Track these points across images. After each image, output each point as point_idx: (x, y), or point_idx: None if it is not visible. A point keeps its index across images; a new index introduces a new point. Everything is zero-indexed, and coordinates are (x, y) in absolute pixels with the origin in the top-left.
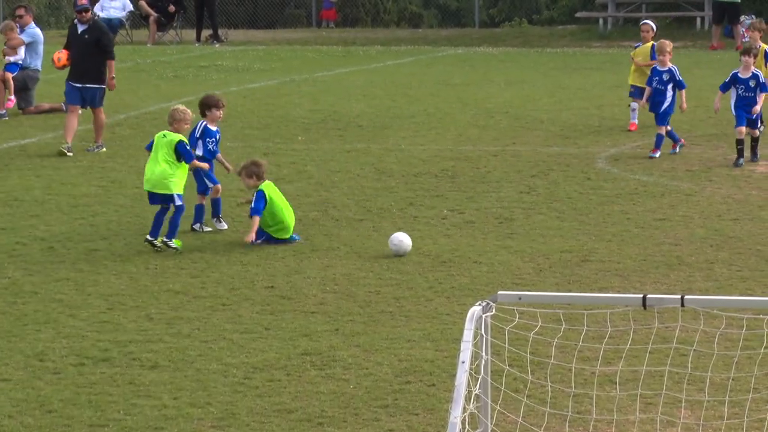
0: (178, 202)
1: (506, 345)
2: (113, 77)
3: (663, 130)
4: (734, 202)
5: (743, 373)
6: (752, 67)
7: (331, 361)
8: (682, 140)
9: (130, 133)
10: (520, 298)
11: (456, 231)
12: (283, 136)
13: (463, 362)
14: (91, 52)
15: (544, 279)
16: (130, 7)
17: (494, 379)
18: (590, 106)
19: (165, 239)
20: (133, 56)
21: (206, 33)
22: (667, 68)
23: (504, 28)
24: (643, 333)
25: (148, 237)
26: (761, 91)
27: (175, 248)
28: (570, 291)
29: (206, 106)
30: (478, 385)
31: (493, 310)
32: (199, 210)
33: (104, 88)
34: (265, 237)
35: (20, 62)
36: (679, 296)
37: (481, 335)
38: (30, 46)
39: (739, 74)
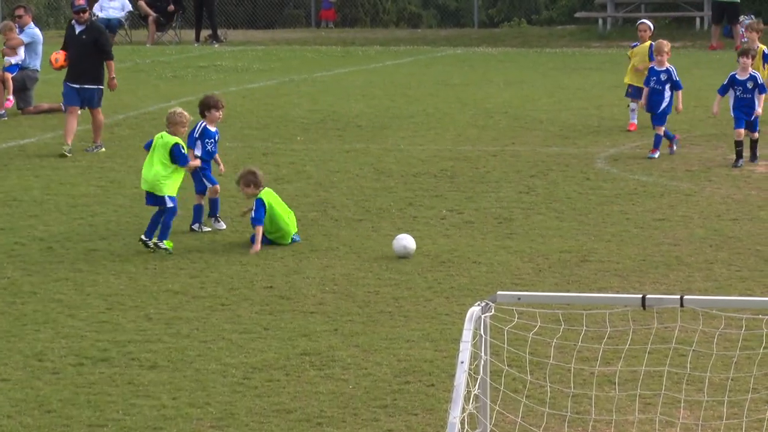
0: (169, 204)
1: (505, 345)
2: (114, 77)
3: (661, 131)
4: (733, 203)
5: (742, 374)
6: (750, 69)
7: (330, 361)
8: (677, 135)
9: (129, 134)
10: (519, 299)
11: (455, 231)
12: (282, 136)
13: (462, 362)
14: (88, 53)
15: (544, 279)
16: (129, 7)
17: (493, 379)
18: (589, 107)
19: (156, 241)
20: (132, 56)
21: (205, 33)
22: (664, 68)
23: (503, 29)
24: (643, 333)
25: (143, 237)
26: (760, 93)
27: (165, 249)
28: (569, 291)
29: (206, 106)
30: (477, 386)
31: (492, 310)
32: (198, 210)
33: (102, 88)
34: (265, 241)
35: (19, 62)
36: (679, 296)
37: (480, 335)
38: (29, 47)
39: (737, 76)
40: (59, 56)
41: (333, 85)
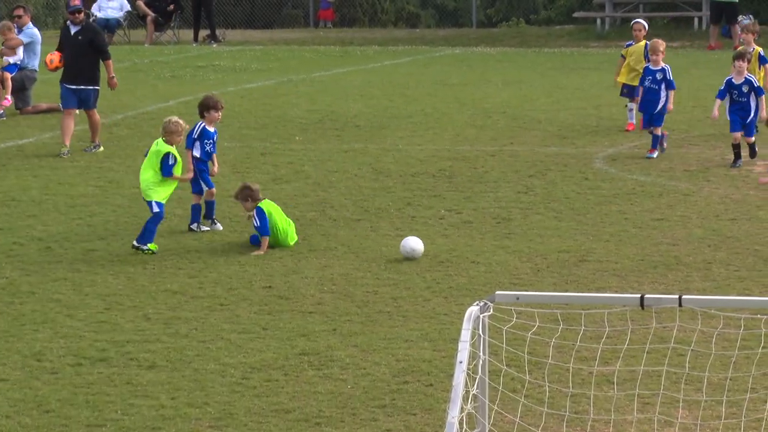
0: (155, 209)
1: (504, 345)
2: (113, 76)
3: (659, 131)
4: (732, 202)
5: (741, 373)
6: (746, 72)
7: (329, 361)
8: (665, 132)
9: (127, 133)
10: (517, 298)
11: (454, 231)
12: (281, 136)
13: (461, 362)
14: (84, 53)
15: (542, 279)
16: (128, 7)
17: (492, 379)
18: (588, 106)
19: (137, 243)
20: (131, 56)
21: (204, 33)
22: (660, 67)
23: (501, 28)
24: (641, 333)
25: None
26: (757, 95)
27: (148, 250)
28: (568, 291)
29: (205, 107)
30: (475, 385)
31: (491, 310)
32: (196, 210)
33: (98, 89)
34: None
35: (18, 62)
36: (677, 296)
37: (479, 335)
38: (28, 47)
39: (733, 80)
40: (54, 57)
41: (331, 85)
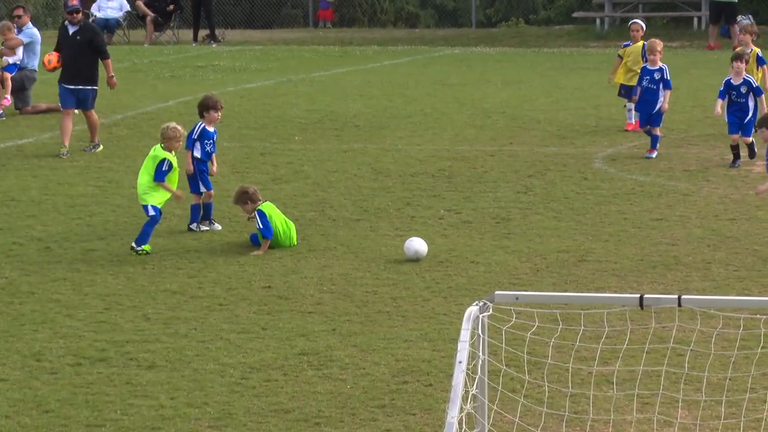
0: (151, 213)
1: (503, 345)
2: (112, 75)
3: (658, 131)
4: (731, 202)
5: (740, 373)
6: (744, 73)
7: (328, 361)
8: (660, 134)
9: (127, 134)
10: (517, 298)
11: (453, 231)
12: (280, 136)
13: (460, 362)
14: (83, 53)
15: (541, 279)
16: (127, 7)
17: (491, 379)
18: (587, 106)
19: (133, 245)
20: (130, 56)
21: (203, 33)
22: (657, 67)
23: (501, 28)
24: (640, 333)
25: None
26: (756, 95)
27: (142, 251)
28: (567, 291)
29: (205, 107)
30: (475, 385)
31: (490, 310)
32: (195, 210)
33: (96, 89)
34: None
35: (18, 62)
36: (676, 296)
37: (478, 335)
38: (27, 47)
39: (731, 81)
40: (52, 58)
41: (331, 85)
